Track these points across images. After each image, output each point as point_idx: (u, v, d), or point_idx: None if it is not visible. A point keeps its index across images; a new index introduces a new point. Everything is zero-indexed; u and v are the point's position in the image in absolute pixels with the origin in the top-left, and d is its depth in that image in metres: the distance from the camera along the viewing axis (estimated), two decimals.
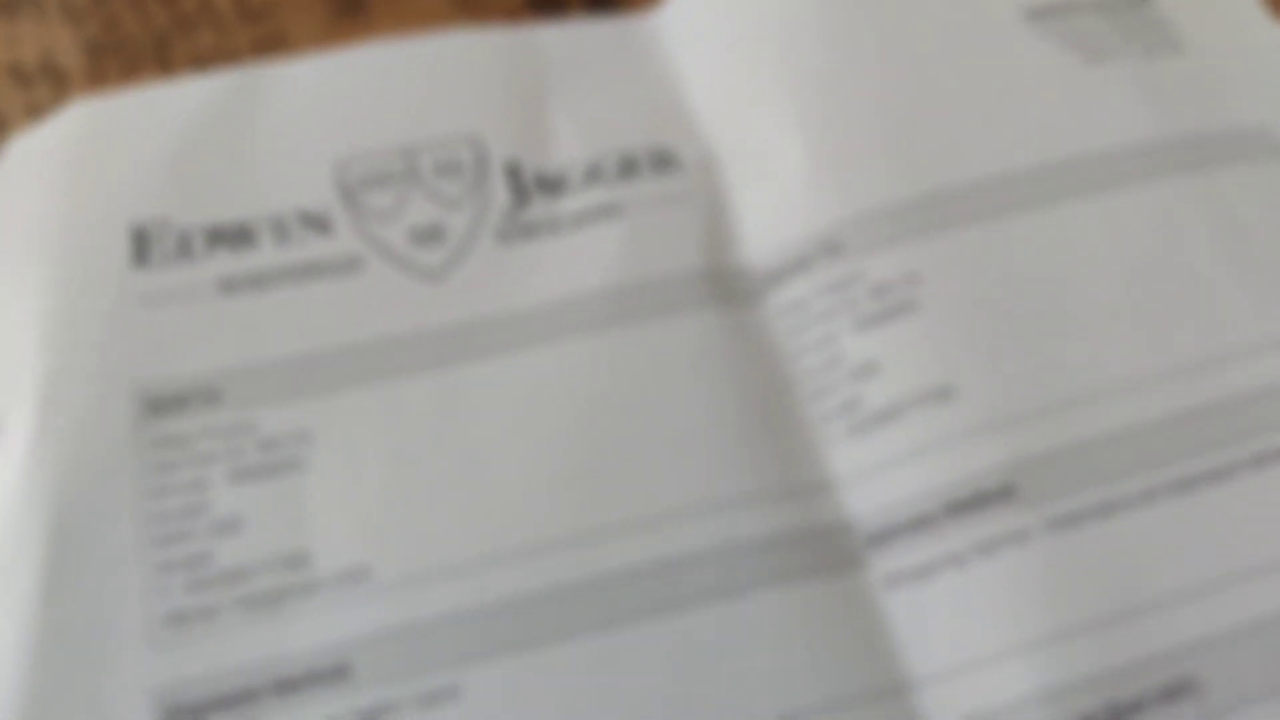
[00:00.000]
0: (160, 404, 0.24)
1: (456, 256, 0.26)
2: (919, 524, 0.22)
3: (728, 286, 0.25)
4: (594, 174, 0.27)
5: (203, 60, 0.31)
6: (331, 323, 0.25)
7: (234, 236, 0.26)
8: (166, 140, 0.27)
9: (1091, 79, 0.27)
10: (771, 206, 0.26)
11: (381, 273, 0.25)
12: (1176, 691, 0.21)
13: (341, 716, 0.20)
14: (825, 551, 0.22)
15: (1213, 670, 0.21)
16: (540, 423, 0.23)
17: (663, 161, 0.27)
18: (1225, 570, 0.22)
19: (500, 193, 0.26)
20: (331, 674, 0.21)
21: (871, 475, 0.23)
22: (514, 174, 0.27)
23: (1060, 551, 0.22)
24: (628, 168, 0.27)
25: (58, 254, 0.25)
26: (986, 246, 0.25)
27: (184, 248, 0.26)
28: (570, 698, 0.21)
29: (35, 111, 0.30)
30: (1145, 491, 0.22)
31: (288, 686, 0.21)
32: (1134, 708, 0.20)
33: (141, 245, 0.25)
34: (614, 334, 0.25)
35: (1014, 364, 0.24)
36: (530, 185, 0.27)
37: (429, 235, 0.26)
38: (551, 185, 0.27)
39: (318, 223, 0.26)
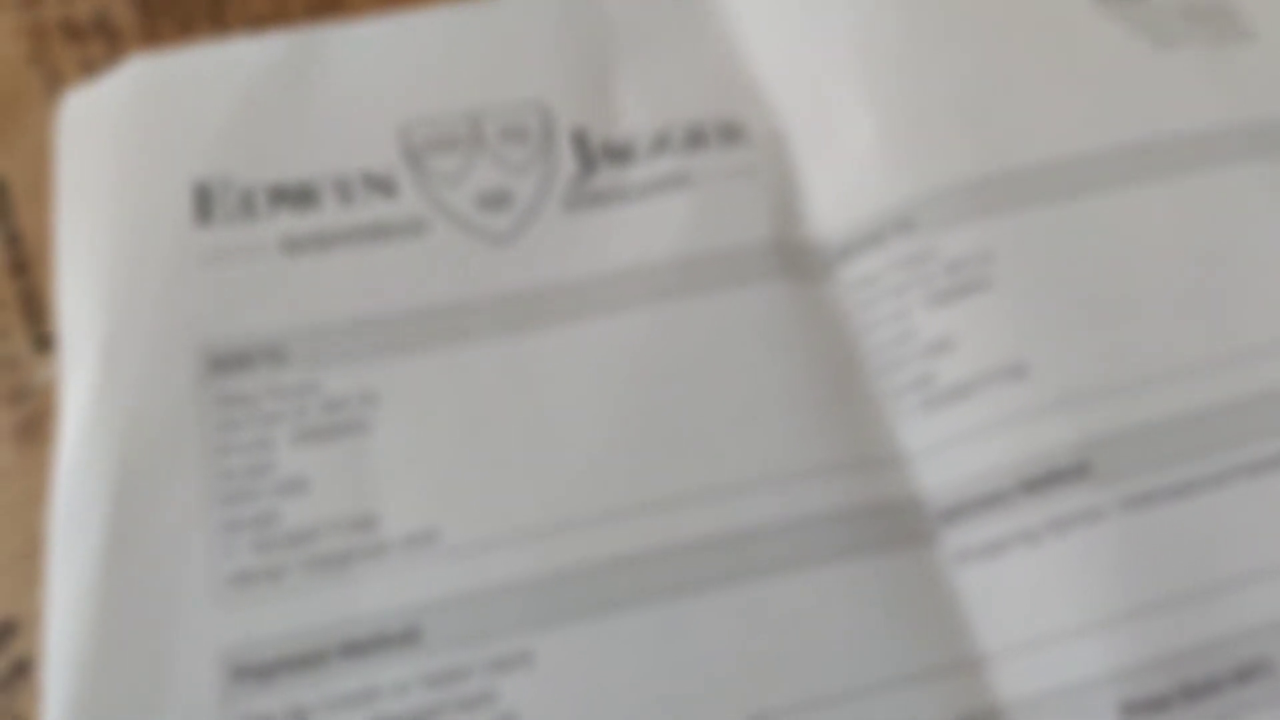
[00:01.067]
0: (224, 362, 0.23)
1: (523, 222, 0.25)
2: (992, 500, 0.22)
3: (797, 260, 0.25)
4: (661, 144, 0.26)
5: (258, 21, 0.30)
6: (396, 285, 0.24)
7: (297, 196, 0.25)
8: (228, 98, 0.27)
9: (1161, 64, 0.27)
10: (843, 181, 0.26)
11: (447, 236, 0.25)
12: (1250, 672, 0.21)
13: (411, 680, 0.20)
14: (897, 526, 0.22)
15: None
16: (609, 390, 0.23)
17: (731, 133, 0.27)
18: None
19: (567, 160, 0.26)
20: (401, 637, 0.21)
21: (944, 451, 0.23)
22: (580, 142, 0.26)
23: (1134, 530, 0.22)
24: (695, 138, 0.26)
25: (119, 210, 0.25)
26: (1058, 226, 0.25)
27: (246, 206, 0.25)
28: (641, 665, 0.21)
29: (89, 68, 0.29)
30: (1219, 473, 0.22)
31: (356, 649, 0.21)
32: (1207, 688, 0.20)
33: (204, 203, 0.25)
34: (682, 303, 0.24)
35: (1086, 343, 0.23)
36: (597, 153, 0.26)
37: (495, 200, 0.26)
38: (618, 154, 0.26)
39: (382, 184, 0.26)
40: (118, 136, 0.26)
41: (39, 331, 0.25)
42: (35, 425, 0.24)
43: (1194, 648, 0.21)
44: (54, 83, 0.29)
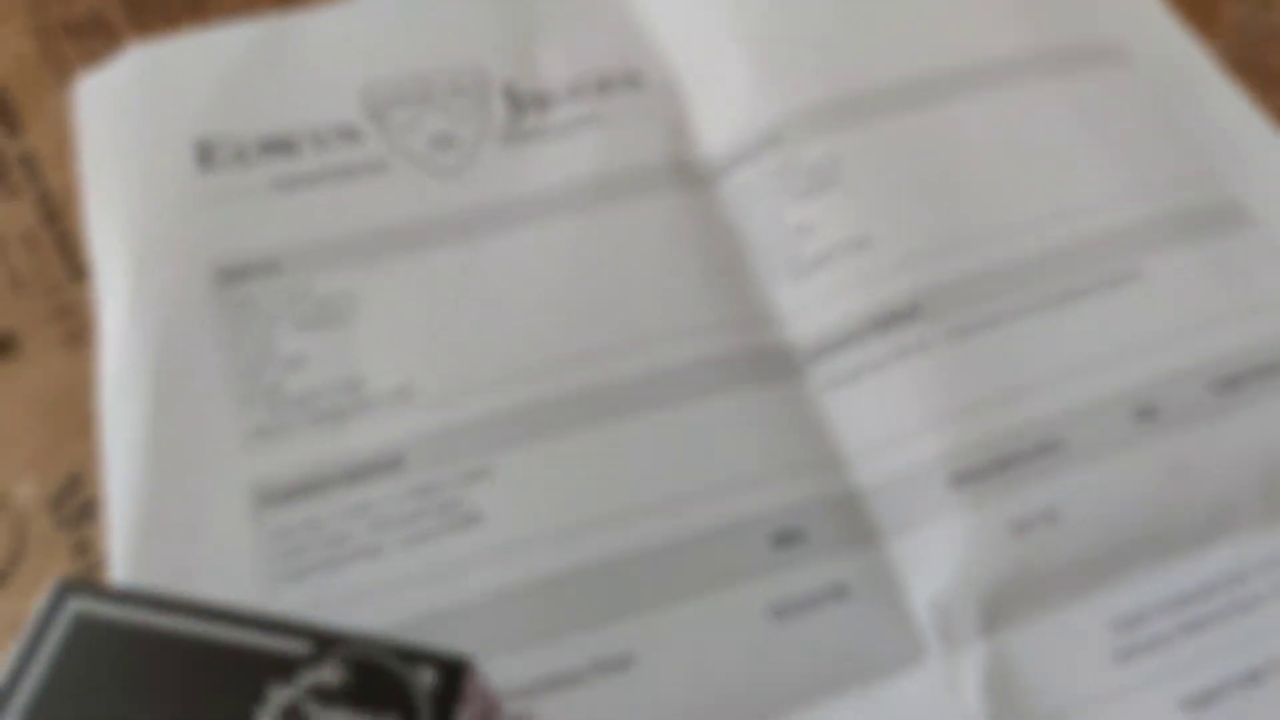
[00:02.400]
0: (231, 274, 0.29)
1: (467, 158, 0.31)
2: (846, 340, 0.28)
3: (689, 175, 0.31)
4: (576, 91, 0.33)
5: (233, 14, 0.36)
6: (367, 211, 0.30)
7: (281, 146, 0.31)
8: (217, 72, 0.32)
9: (978, 3, 0.34)
10: (723, 111, 0.32)
11: (406, 172, 0.31)
12: (1045, 448, 0.27)
13: (397, 494, 0.26)
14: (774, 365, 0.28)
15: (1073, 432, 0.27)
16: (544, 278, 0.29)
17: (632, 80, 0.33)
18: (1083, 359, 0.28)
19: (500, 108, 0.32)
20: (388, 465, 0.26)
21: (809, 307, 0.29)
22: (511, 93, 0.33)
23: (957, 353, 0.28)
24: (604, 86, 0.33)
25: (135, 165, 0.31)
26: (895, 135, 0.31)
27: (240, 156, 0.31)
28: (579, 473, 0.26)
29: (93, 58, 0.35)
30: (1023, 307, 0.29)
31: (353, 475, 0.26)
32: (1014, 460, 0.27)
33: (205, 154, 0.31)
34: (599, 211, 0.31)
35: (915, 220, 0.30)
36: (525, 101, 0.32)
37: (443, 142, 0.32)
38: (541, 101, 0.33)
39: (350, 134, 0.32)
40: (128, 109, 0.32)
41: (74, 264, 0.30)
42: (78, 335, 0.29)
43: (1003, 433, 0.27)
44: (63, 72, 0.34)
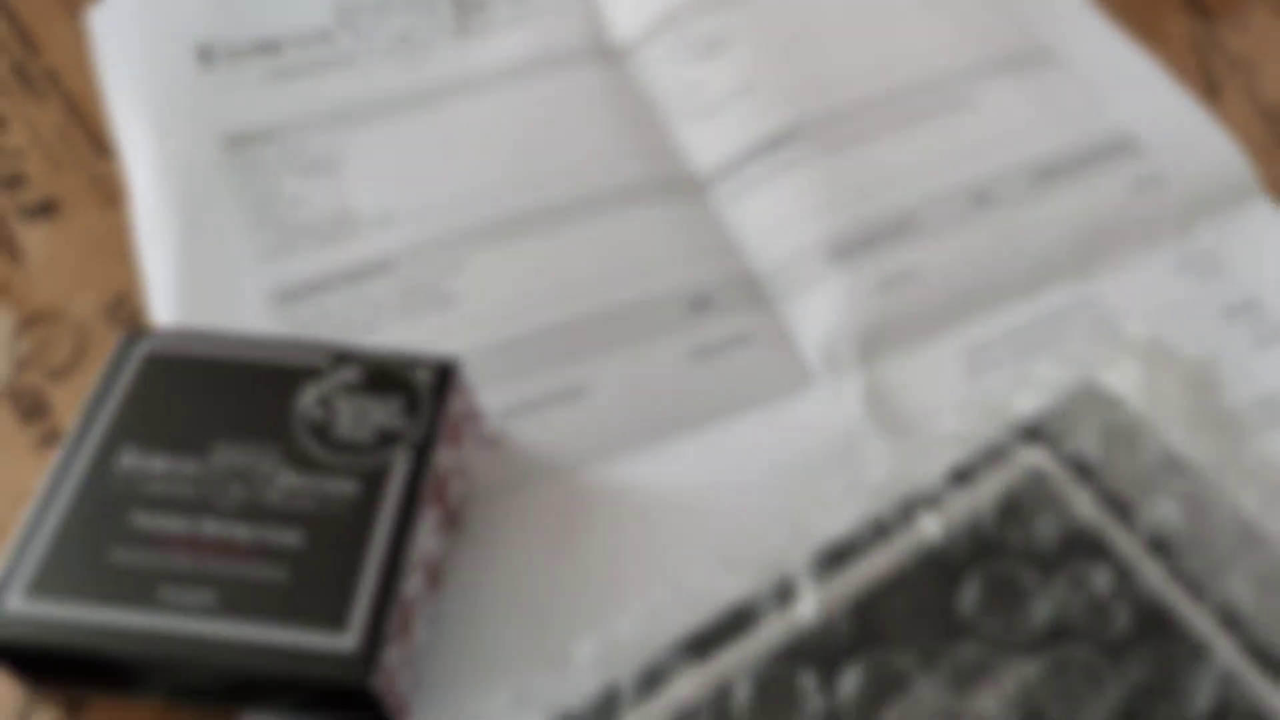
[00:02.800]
0: (236, 140, 0.35)
1: (424, 50, 0.38)
2: (740, 162, 0.35)
3: (606, 53, 0.39)
4: None
5: None
6: (344, 93, 0.37)
7: (269, 47, 0.38)
8: None
9: None
10: (628, 1, 0.39)
11: (374, 63, 0.38)
12: (904, 227, 0.34)
13: (389, 289, 0.32)
14: (684, 186, 0.35)
15: (924, 215, 0.34)
16: (492, 133, 0.36)
17: None
18: (929, 164, 0.35)
19: (448, 11, 0.39)
20: (379, 268, 0.33)
21: (708, 141, 0.36)
22: (457, 1, 0.40)
23: (829, 164, 0.35)
24: None
25: (146, 69, 0.37)
26: (771, 8, 0.39)
27: (235, 56, 0.37)
28: (532, 266, 0.33)
29: None
30: (879, 128, 0.36)
31: (353, 276, 0.32)
32: (878, 237, 0.34)
33: (205, 56, 0.37)
34: (535, 84, 0.37)
35: (790, 69, 0.37)
36: (469, 6, 0.39)
37: (404, 38, 0.38)
38: (481, 5, 0.39)
39: (325, 36, 0.38)
40: (135, 27, 0.38)
41: (100, 147, 0.36)
42: (110, 199, 0.35)
43: (869, 219, 0.34)
44: (72, 6, 0.40)
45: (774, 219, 0.35)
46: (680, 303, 0.33)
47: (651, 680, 0.20)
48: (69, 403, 0.30)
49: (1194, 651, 0.21)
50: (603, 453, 0.30)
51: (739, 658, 0.20)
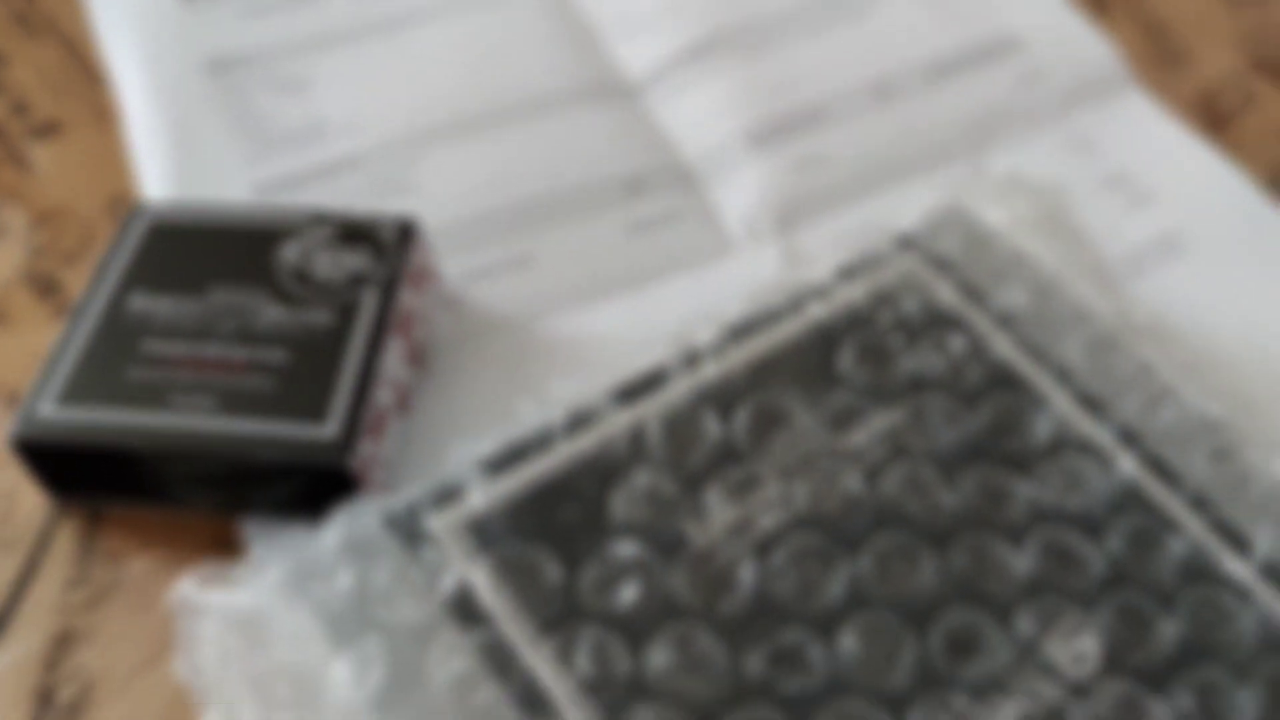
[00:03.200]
0: (218, 65, 0.40)
1: None
2: (667, 67, 0.40)
3: None
4: None
5: None
6: (312, 22, 0.41)
7: None
8: None
9: None
10: None
11: (343, 3, 0.42)
12: (815, 118, 0.39)
13: (359, 180, 0.36)
14: (619, 90, 0.40)
15: (833, 107, 0.39)
16: (446, 51, 0.40)
17: None
18: (836, 63, 0.40)
19: None
20: (348, 165, 0.37)
21: (639, 51, 0.41)
22: None
23: (750, 67, 0.40)
24: None
25: (134, 6, 0.41)
26: None
27: None
28: (486, 159, 0.37)
29: None
30: (792, 36, 0.41)
31: (326, 171, 0.37)
32: (793, 126, 0.38)
33: None
34: (483, 10, 0.42)
35: (709, 10, 0.42)
36: None
37: None
38: None
39: None
40: None
41: (93, 76, 0.40)
42: (106, 119, 0.39)
43: (784, 111, 0.39)
44: None
45: (699, 115, 0.39)
46: (617, 186, 0.37)
47: (580, 421, 0.24)
48: (79, 283, 0.34)
49: (1034, 400, 0.25)
50: (550, 311, 0.34)
51: (653, 405, 0.24)
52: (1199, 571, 0.24)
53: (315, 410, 0.27)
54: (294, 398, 0.27)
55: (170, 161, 0.37)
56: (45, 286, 0.34)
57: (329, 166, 0.37)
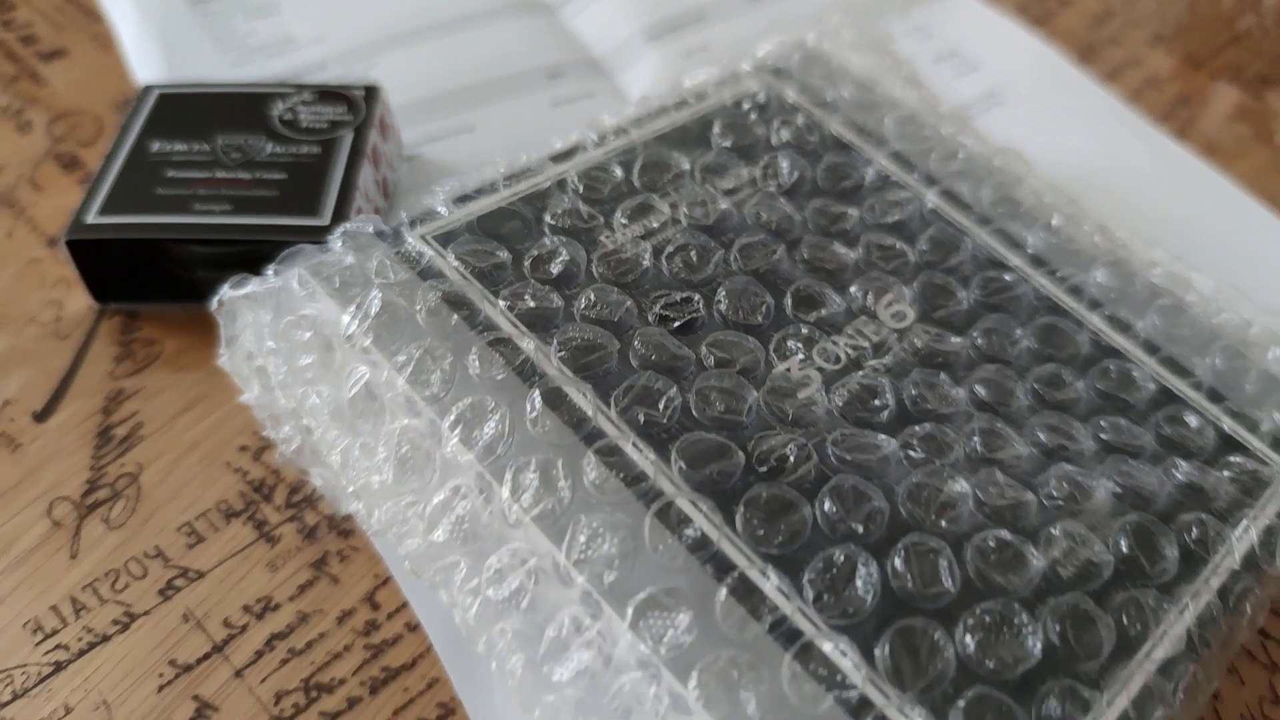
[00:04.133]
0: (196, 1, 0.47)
1: None
2: None
3: None
4: None
5: None
6: None
7: None
8: None
9: None
10: None
11: None
12: (699, 16, 0.47)
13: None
14: (540, 5, 0.48)
15: (714, 8, 0.47)
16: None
17: None
18: None
19: None
20: (317, 67, 0.45)
21: None
22: None
23: None
24: None
25: None
26: None
27: None
28: (427, 61, 0.45)
29: None
30: None
31: (298, 74, 0.44)
32: (682, 24, 0.47)
33: None
34: None
35: None
36: None
37: None
38: None
39: None
40: None
41: (90, 13, 0.48)
42: (103, 44, 0.46)
43: (675, 13, 0.47)
44: None
45: (606, 21, 0.48)
46: (540, 74, 0.45)
47: (520, 174, 0.31)
48: (97, 158, 0.41)
49: (861, 159, 0.34)
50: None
51: (574, 163, 0.32)
52: (986, 261, 0.32)
53: (310, 208, 0.34)
54: (292, 201, 0.35)
55: (163, 72, 0.44)
56: (69, 162, 0.41)
57: (300, 70, 0.45)
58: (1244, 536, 0.27)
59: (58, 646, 0.29)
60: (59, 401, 0.34)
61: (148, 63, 0.45)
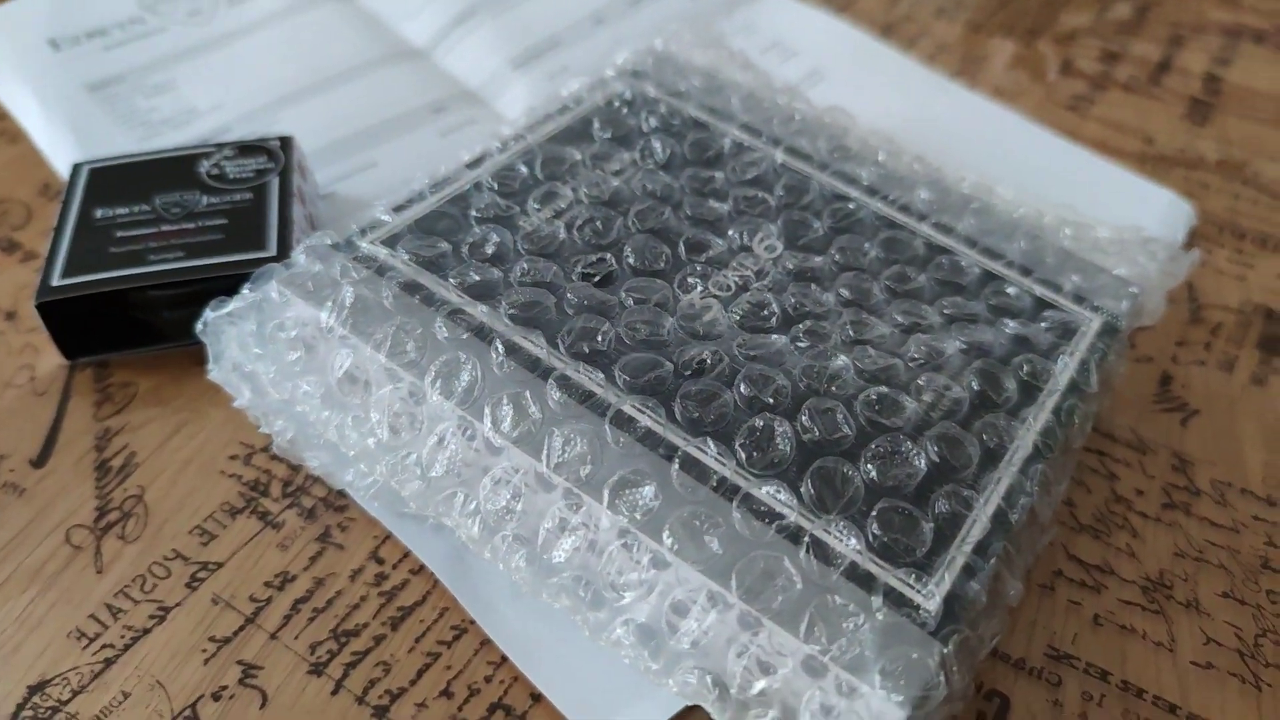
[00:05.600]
0: (96, 87, 0.51)
1: (209, 16, 0.55)
2: (444, 33, 0.54)
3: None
4: None
5: None
6: (160, 47, 0.53)
7: (96, 33, 0.54)
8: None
9: None
10: None
11: (176, 29, 0.54)
12: (553, 43, 0.54)
13: (230, 124, 0.49)
14: (412, 52, 0.54)
15: (566, 35, 0.54)
16: (275, 49, 0.53)
17: None
18: (569, 3, 0.55)
19: None
20: (223, 131, 0.49)
21: (421, 27, 0.55)
22: None
23: (502, 16, 0.54)
24: None
25: (15, 60, 0.52)
26: None
27: (74, 41, 0.53)
28: (322, 112, 0.50)
29: None
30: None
31: (206, 140, 0.49)
32: (541, 52, 0.53)
33: (54, 45, 0.53)
34: (298, 18, 0.55)
35: None
36: None
37: (194, 11, 0.55)
38: None
39: (136, 19, 0.55)
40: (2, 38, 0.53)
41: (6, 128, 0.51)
42: (15, 139, 0.50)
43: (533, 42, 0.54)
44: None
45: (475, 58, 0.54)
46: (425, 110, 0.51)
47: (443, 182, 0.37)
48: (34, 241, 0.45)
49: (717, 133, 0.41)
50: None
51: (485, 168, 0.38)
52: (831, 196, 0.39)
53: (257, 243, 0.39)
54: (239, 240, 0.39)
55: (78, 155, 0.48)
56: (7, 245, 0.45)
57: (207, 136, 0.49)
58: (1065, 367, 0.34)
59: (104, 646, 0.33)
60: (52, 447, 0.37)
61: (60, 149, 0.48)
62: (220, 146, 0.43)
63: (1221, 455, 0.40)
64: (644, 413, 0.30)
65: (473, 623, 0.33)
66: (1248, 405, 0.42)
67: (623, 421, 0.30)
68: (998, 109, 0.53)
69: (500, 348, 0.31)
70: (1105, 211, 0.42)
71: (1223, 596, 0.36)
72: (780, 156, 0.40)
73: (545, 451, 0.29)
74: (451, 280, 0.33)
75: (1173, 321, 0.46)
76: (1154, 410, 0.42)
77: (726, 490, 0.29)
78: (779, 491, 0.29)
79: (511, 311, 0.32)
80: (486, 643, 0.33)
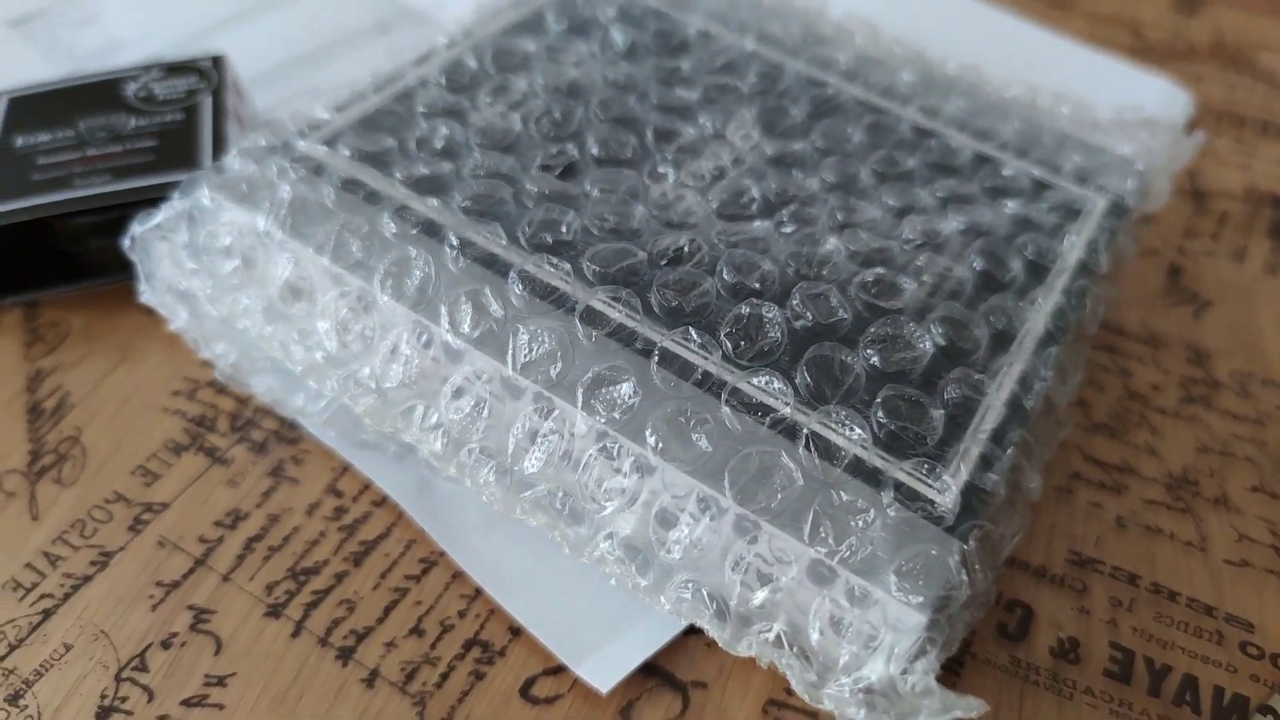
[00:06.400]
0: (19, 21, 0.47)
1: None
2: None
3: None
4: None
5: None
6: None
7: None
8: None
9: None
10: None
11: None
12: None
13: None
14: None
15: None
16: None
17: None
18: None
19: None
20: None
21: None
22: None
23: None
24: None
25: None
26: None
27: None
28: (256, 41, 0.47)
29: None
30: None
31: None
32: None
33: None
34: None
35: None
36: None
37: None
38: None
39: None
40: None
41: None
42: None
43: None
44: None
45: None
46: (370, 31, 0.48)
47: (390, 79, 0.34)
48: None
49: (680, 23, 0.38)
50: None
51: (434, 63, 0.34)
52: (807, 83, 0.36)
53: (189, 162, 0.36)
54: (169, 160, 0.36)
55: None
56: None
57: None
58: (1073, 247, 0.32)
59: (43, 596, 0.30)
60: None
61: None
62: (148, 68, 0.40)
63: (1240, 346, 0.38)
64: (617, 305, 0.27)
65: (442, 555, 0.30)
66: (1265, 294, 0.40)
67: (594, 316, 0.27)
68: (981, 5, 0.50)
69: (454, 241, 0.28)
70: (1100, 102, 0.39)
71: (1253, 491, 0.33)
72: (750, 44, 0.37)
73: (510, 352, 0.26)
74: (398, 175, 0.30)
75: (1177, 213, 0.43)
76: (1164, 304, 0.39)
77: (713, 385, 0.26)
78: (771, 382, 0.26)
79: (465, 204, 0.29)
80: (459, 575, 0.30)
